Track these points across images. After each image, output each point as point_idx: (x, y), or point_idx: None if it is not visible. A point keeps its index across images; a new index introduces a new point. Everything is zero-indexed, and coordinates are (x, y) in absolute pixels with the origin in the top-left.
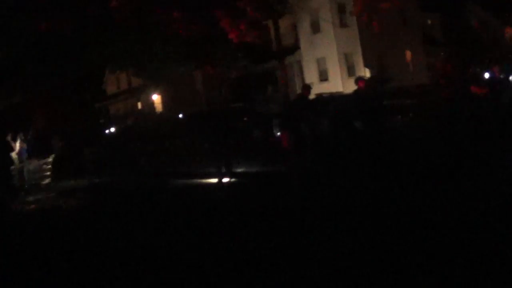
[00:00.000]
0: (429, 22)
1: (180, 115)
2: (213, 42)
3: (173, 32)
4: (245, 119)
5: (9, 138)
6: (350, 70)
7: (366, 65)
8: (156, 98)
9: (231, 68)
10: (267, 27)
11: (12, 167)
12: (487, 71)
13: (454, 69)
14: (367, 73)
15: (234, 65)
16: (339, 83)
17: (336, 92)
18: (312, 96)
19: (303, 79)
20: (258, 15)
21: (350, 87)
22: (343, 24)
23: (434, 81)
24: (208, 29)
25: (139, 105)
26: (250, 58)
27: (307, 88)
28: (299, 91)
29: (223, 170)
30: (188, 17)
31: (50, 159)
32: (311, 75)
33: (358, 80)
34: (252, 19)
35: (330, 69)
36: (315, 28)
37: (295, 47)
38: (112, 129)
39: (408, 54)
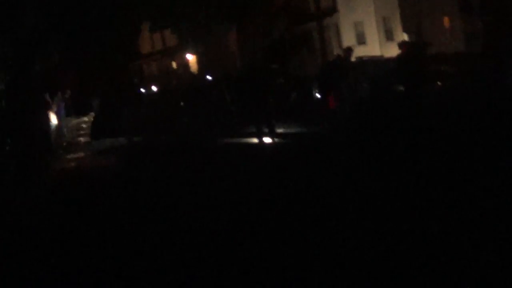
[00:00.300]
0: None
1: (208, 77)
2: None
3: None
4: (282, 80)
5: (47, 96)
6: (388, 34)
7: (404, 30)
8: (191, 58)
9: (270, 29)
10: None
11: (52, 123)
12: None
13: (495, 39)
14: (405, 38)
15: (273, 26)
16: (377, 47)
17: (376, 56)
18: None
19: (340, 42)
20: None
21: (388, 51)
22: None
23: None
24: None
25: (174, 65)
26: (288, 19)
27: (348, 50)
28: (336, 53)
29: (265, 130)
30: None
31: (88, 118)
32: (348, 38)
33: (402, 44)
34: None
35: (367, 32)
36: None
37: (332, 10)
38: (154, 88)
39: (446, 20)
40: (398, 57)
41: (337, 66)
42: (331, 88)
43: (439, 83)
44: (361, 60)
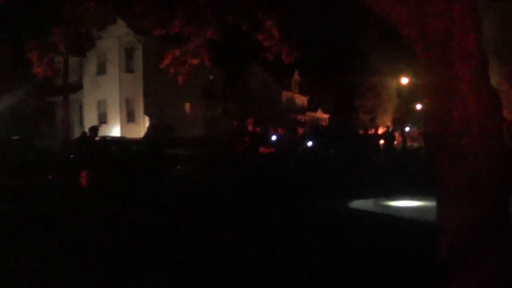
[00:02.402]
0: (211, 77)
1: None
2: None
3: None
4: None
5: None
6: (130, 115)
7: (145, 113)
8: None
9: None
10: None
11: None
12: (274, 133)
13: (238, 126)
14: (146, 121)
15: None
16: (118, 128)
17: (119, 137)
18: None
19: (81, 119)
20: (69, 51)
21: (129, 132)
22: (129, 69)
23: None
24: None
25: None
26: (34, 90)
27: (94, 129)
28: (77, 129)
29: None
30: None
31: None
32: (90, 116)
33: (149, 126)
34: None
35: (110, 112)
36: (101, 69)
37: (78, 86)
38: None
39: (188, 106)
40: (143, 139)
41: (84, 144)
42: (88, 166)
43: (178, 167)
44: (104, 140)
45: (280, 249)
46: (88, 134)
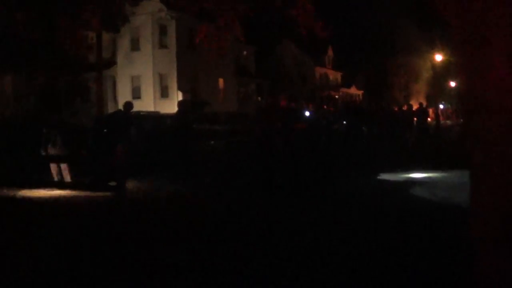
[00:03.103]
0: (245, 53)
1: None
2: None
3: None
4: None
5: None
6: (164, 91)
7: (179, 88)
8: None
9: (48, 76)
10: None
11: None
12: (306, 109)
13: (273, 102)
14: (179, 96)
15: (52, 73)
16: (151, 103)
17: (153, 112)
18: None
19: (115, 95)
20: (101, 27)
21: (162, 107)
22: (162, 45)
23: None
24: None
25: None
26: (66, 67)
27: (128, 105)
28: (111, 105)
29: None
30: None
31: None
32: (124, 92)
33: (180, 102)
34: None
35: (144, 88)
36: (135, 45)
37: (112, 62)
38: None
39: (221, 82)
40: (176, 114)
41: (120, 120)
42: (117, 141)
43: (212, 142)
44: (138, 115)
45: (314, 214)
46: (122, 110)
